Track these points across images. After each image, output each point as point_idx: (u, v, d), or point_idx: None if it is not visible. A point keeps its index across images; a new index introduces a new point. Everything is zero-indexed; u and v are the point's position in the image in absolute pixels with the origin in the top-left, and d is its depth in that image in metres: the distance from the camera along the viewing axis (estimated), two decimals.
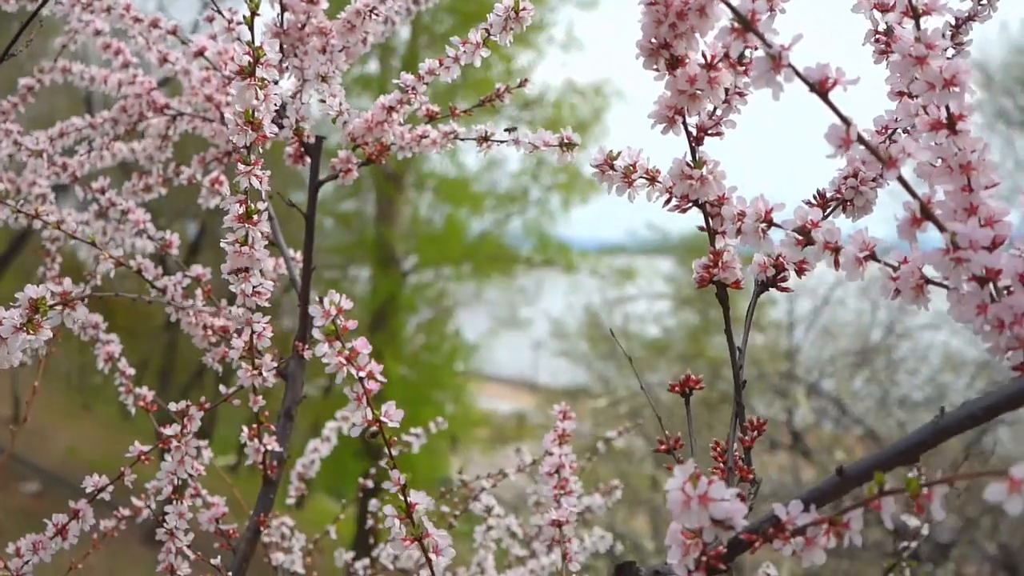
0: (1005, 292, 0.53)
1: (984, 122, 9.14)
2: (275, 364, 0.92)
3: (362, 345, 0.64)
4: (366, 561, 1.36)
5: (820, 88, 0.51)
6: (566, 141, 0.86)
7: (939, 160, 0.57)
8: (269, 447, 0.98)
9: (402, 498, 0.66)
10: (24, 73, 1.34)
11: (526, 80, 1.02)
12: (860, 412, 6.87)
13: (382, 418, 0.64)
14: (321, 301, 0.63)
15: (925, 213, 0.53)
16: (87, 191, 1.16)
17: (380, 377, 0.64)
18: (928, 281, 0.55)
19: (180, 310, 1.02)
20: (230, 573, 0.95)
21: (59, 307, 0.69)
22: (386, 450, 0.66)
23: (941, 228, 0.52)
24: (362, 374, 0.63)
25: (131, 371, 1.10)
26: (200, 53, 1.07)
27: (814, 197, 0.70)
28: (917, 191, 0.55)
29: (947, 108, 0.55)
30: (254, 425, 0.97)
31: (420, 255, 11.58)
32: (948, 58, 0.64)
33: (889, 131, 0.69)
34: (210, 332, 1.03)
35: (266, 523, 1.01)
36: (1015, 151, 9.03)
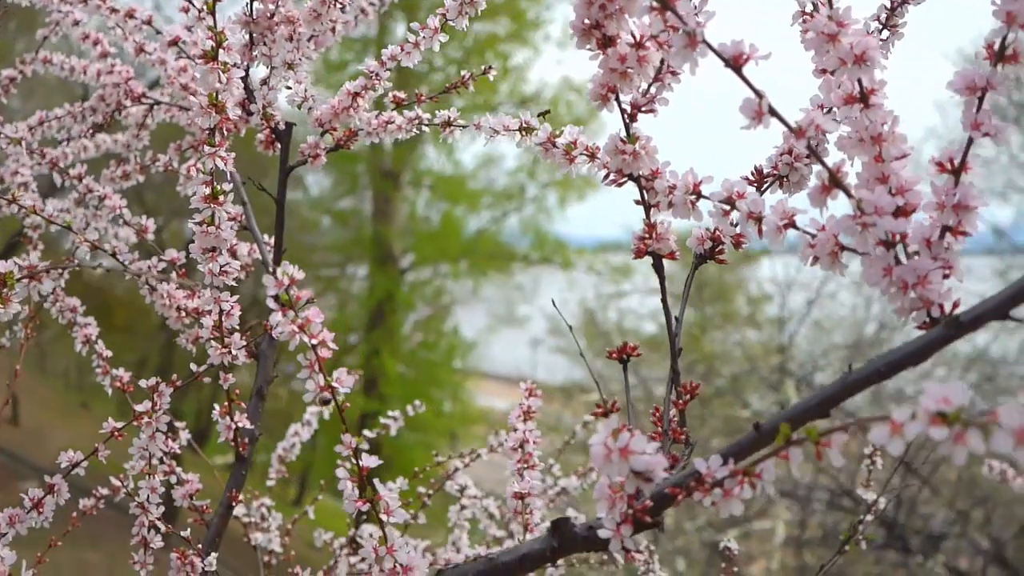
0: (915, 257, 0.56)
1: None
2: (244, 343, 0.95)
3: (315, 314, 0.67)
4: (343, 540, 1.39)
5: (734, 63, 0.54)
6: (525, 126, 0.89)
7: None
8: (240, 424, 1.01)
9: (354, 461, 0.69)
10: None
11: (490, 67, 1.06)
12: (853, 406, 6.91)
13: (334, 384, 0.67)
14: (274, 273, 0.65)
15: (834, 181, 0.56)
16: (64, 178, 1.19)
17: (332, 344, 0.67)
18: (843, 247, 0.58)
19: (153, 292, 1.05)
20: (200, 545, 0.98)
21: (26, 280, 0.72)
22: (340, 416, 0.69)
23: (849, 195, 0.55)
24: (315, 342, 0.66)
25: (108, 353, 1.13)
26: (174, 43, 1.10)
27: (751, 173, 0.73)
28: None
29: (859, 83, 0.58)
30: (225, 403, 1.00)
31: (417, 253, 11.63)
32: (870, 35, 0.67)
33: (824, 110, 0.72)
34: (183, 314, 1.06)
35: (238, 498, 1.04)
36: (1009, 147, 9.05)
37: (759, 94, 0.54)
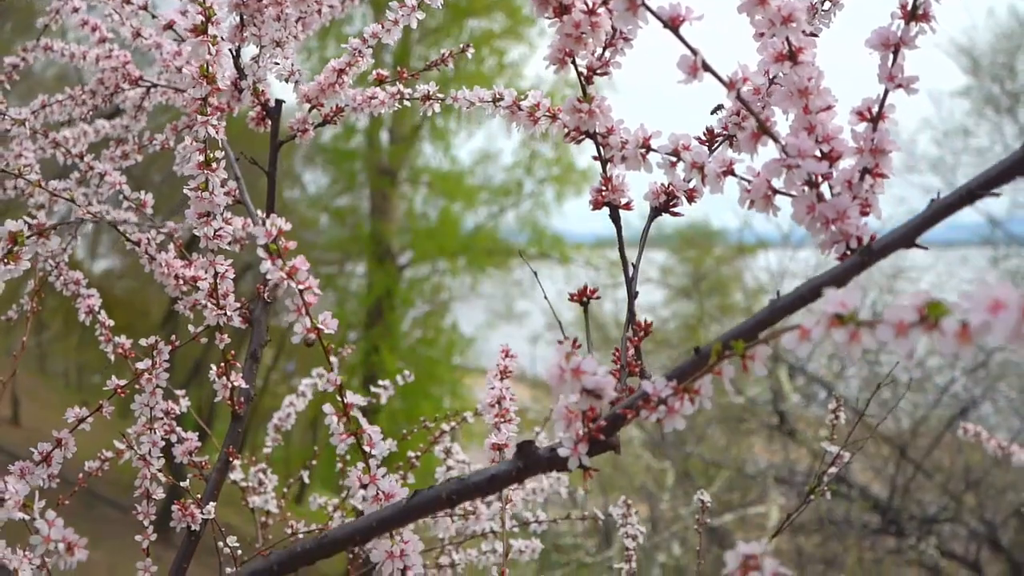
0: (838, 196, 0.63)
1: (972, 108, 9.23)
2: (239, 304, 1.01)
3: (301, 263, 0.73)
4: (335, 501, 1.45)
5: (672, 24, 0.60)
6: (497, 97, 0.95)
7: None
8: (236, 384, 1.07)
9: (339, 399, 0.75)
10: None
11: (468, 46, 1.12)
12: (846, 391, 6.98)
13: (319, 325, 0.74)
14: (264, 223, 0.72)
15: (763, 129, 0.62)
16: (67, 157, 1.25)
17: (317, 290, 0.73)
18: (775, 191, 0.64)
19: (152, 261, 1.11)
20: (200, 496, 1.04)
21: (35, 237, 0.78)
22: (325, 357, 0.75)
23: (776, 140, 0.61)
24: (302, 287, 0.72)
25: (110, 322, 1.19)
26: (169, 26, 1.16)
27: (703, 133, 0.79)
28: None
29: (788, 41, 0.64)
30: (222, 363, 1.06)
31: (415, 250, 11.69)
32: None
33: (767, 75, 0.78)
34: (181, 282, 1.12)
35: (234, 454, 1.10)
36: (1003, 137, 9.11)
37: (694, 51, 0.60)
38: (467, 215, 12.03)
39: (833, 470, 1.17)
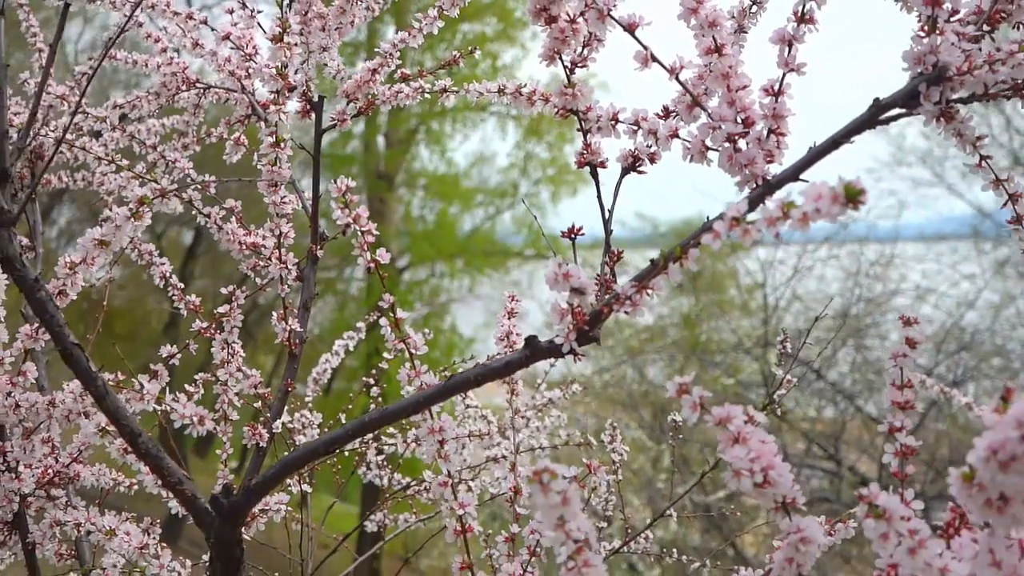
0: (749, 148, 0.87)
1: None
2: (297, 260, 1.26)
3: (363, 211, 0.98)
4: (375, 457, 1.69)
5: (630, 28, 0.85)
6: (500, 88, 1.20)
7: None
8: (293, 327, 1.31)
9: (392, 314, 1.00)
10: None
11: (475, 48, 1.37)
12: (837, 379, 7.25)
13: (377, 258, 0.98)
14: (335, 181, 0.96)
15: (695, 102, 0.87)
16: (142, 147, 1.49)
17: (375, 231, 0.98)
18: (707, 147, 0.89)
19: (220, 230, 1.36)
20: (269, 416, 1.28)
21: (159, 199, 1.03)
22: (380, 281, 1.00)
23: (704, 110, 0.86)
24: (363, 229, 0.97)
25: (181, 285, 1.44)
26: (226, 37, 1.41)
27: (661, 109, 1.03)
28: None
29: (714, 39, 0.88)
30: (281, 311, 1.31)
31: (413, 252, 11.93)
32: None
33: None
34: (243, 247, 1.37)
35: (292, 385, 1.34)
36: (990, 128, 9.37)
37: (645, 48, 0.85)
38: (464, 217, 12.27)
39: (783, 392, 1.41)
